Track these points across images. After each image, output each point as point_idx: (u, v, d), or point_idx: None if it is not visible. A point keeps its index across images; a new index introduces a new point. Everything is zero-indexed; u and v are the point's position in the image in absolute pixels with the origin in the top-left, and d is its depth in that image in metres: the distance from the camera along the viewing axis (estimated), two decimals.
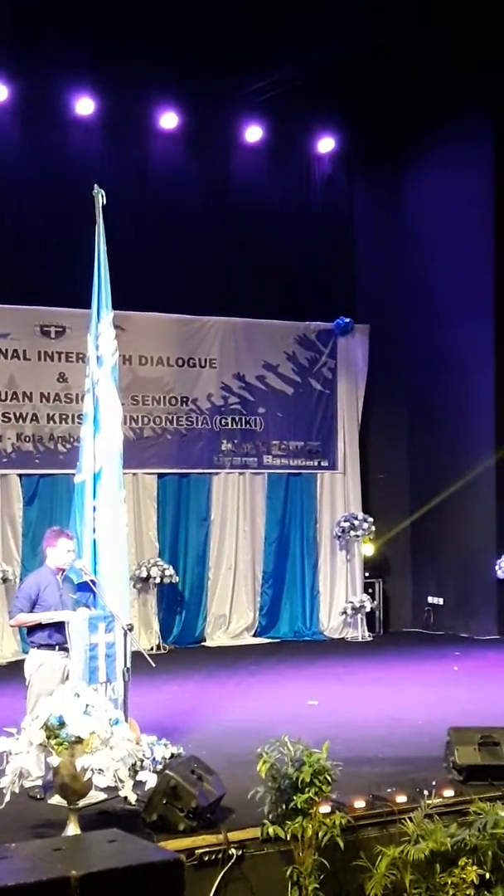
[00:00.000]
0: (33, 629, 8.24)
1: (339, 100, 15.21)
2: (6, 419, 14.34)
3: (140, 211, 14.45)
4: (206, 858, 6.75)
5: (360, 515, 16.02)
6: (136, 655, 8.50)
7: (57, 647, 8.15)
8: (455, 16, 13.03)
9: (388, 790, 7.64)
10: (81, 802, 6.79)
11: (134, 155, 15.13)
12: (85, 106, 14.53)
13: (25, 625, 8.33)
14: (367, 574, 16.18)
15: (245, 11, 12.80)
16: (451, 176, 16.14)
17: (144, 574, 14.48)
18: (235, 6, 12.73)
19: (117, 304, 9.08)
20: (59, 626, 8.11)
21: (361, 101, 15.27)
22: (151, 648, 14.12)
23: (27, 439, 14.43)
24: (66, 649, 8.09)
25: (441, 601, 16.37)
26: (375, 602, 16.01)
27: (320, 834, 6.86)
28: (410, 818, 7.17)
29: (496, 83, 14.74)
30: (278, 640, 15.57)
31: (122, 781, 6.67)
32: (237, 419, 15.78)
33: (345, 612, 15.84)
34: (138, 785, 6.95)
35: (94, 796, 7.09)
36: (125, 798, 6.79)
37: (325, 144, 16.39)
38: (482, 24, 13.38)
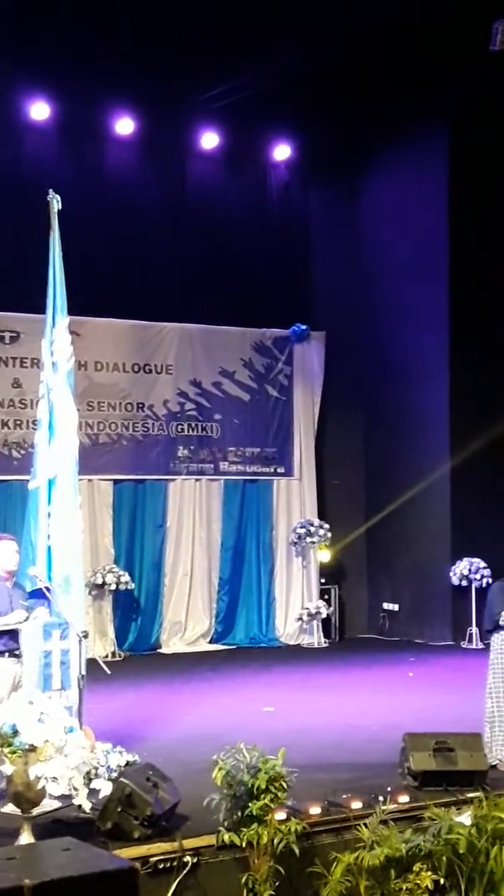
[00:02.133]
0: None
1: (295, 107, 15.27)
2: None
3: (96, 217, 14.41)
4: (161, 866, 6.72)
5: (316, 522, 16.06)
6: (91, 663, 8.46)
7: (7, 654, 8.08)
8: (410, 24, 13.13)
9: (344, 796, 7.63)
10: (35, 811, 6.74)
11: (90, 160, 15.09)
12: (40, 111, 14.47)
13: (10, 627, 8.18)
14: (322, 580, 16.21)
15: (201, 18, 12.82)
16: (406, 183, 16.24)
17: (100, 581, 14.42)
18: (191, 13, 12.75)
19: (73, 310, 9.05)
20: (11, 633, 8.05)
21: (317, 108, 15.35)
22: (107, 655, 14.05)
23: None
24: (17, 656, 8.03)
25: (396, 607, 16.44)
26: (331, 608, 16.04)
27: (276, 841, 6.85)
28: (365, 824, 7.18)
29: (451, 91, 14.86)
30: (234, 647, 15.57)
31: (76, 790, 6.63)
32: (193, 426, 15.76)
33: (301, 619, 15.86)
34: (93, 793, 6.91)
35: (48, 805, 7.03)
36: (79, 806, 6.75)
37: (281, 152, 16.43)
38: (437, 33, 13.49)
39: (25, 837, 6.58)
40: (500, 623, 8.91)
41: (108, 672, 8.56)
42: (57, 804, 7.12)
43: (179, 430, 15.66)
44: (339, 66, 14.12)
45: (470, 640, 15.15)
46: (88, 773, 6.86)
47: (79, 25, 12.92)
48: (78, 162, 14.82)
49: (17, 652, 8.01)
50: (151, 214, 15.30)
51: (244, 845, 6.83)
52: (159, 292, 15.14)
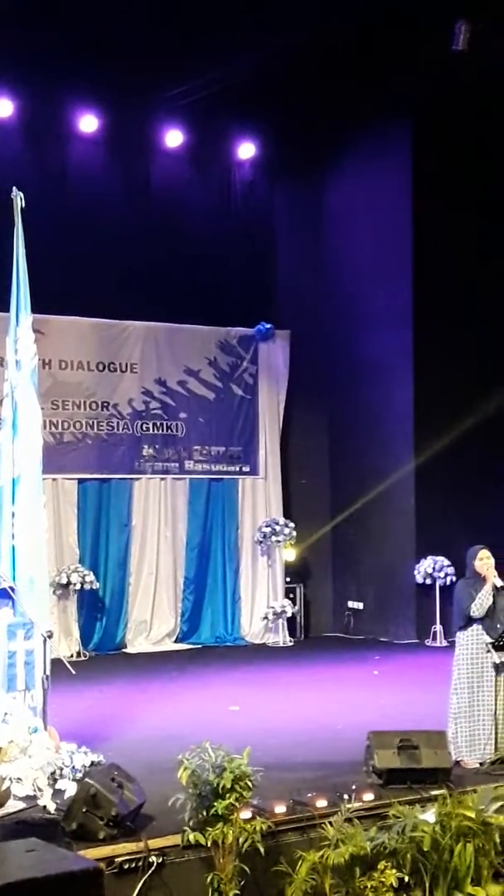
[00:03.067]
0: None
1: (260, 106, 15.25)
2: None
3: (60, 214, 14.34)
4: (127, 866, 6.71)
5: (282, 521, 16.07)
6: (56, 663, 8.43)
7: None
8: (374, 23, 13.14)
9: (309, 795, 7.65)
10: (0, 812, 6.71)
11: (53, 158, 15.02)
12: (3, 108, 14.38)
13: None
14: (288, 579, 16.23)
15: (166, 15, 12.78)
16: (370, 182, 16.29)
17: (64, 580, 14.36)
18: (156, 10, 12.71)
19: (36, 308, 9.01)
20: None
21: (282, 107, 15.35)
22: (71, 655, 14.00)
23: None
24: None
25: (361, 606, 16.49)
26: (296, 607, 16.06)
27: (241, 840, 6.85)
28: (331, 822, 7.20)
29: (414, 90, 14.91)
30: (200, 646, 15.55)
31: (41, 790, 6.61)
32: (158, 424, 15.74)
33: (266, 618, 15.87)
34: (57, 794, 6.89)
35: (13, 805, 7.00)
36: (44, 807, 6.73)
37: (246, 150, 16.43)
38: (401, 32, 13.51)
39: None
40: (474, 615, 8.95)
41: (73, 672, 8.54)
42: (21, 805, 7.09)
43: (144, 428, 15.63)
44: (303, 65, 14.11)
45: (434, 638, 15.21)
46: (53, 773, 6.84)
47: (42, 22, 12.83)
48: (41, 159, 14.75)
49: None
50: (116, 212, 15.25)
51: (209, 845, 6.84)
52: (124, 290, 15.09)
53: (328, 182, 16.95)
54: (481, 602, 8.93)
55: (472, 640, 8.97)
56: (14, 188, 8.92)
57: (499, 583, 9.01)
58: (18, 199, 8.90)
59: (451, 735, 8.80)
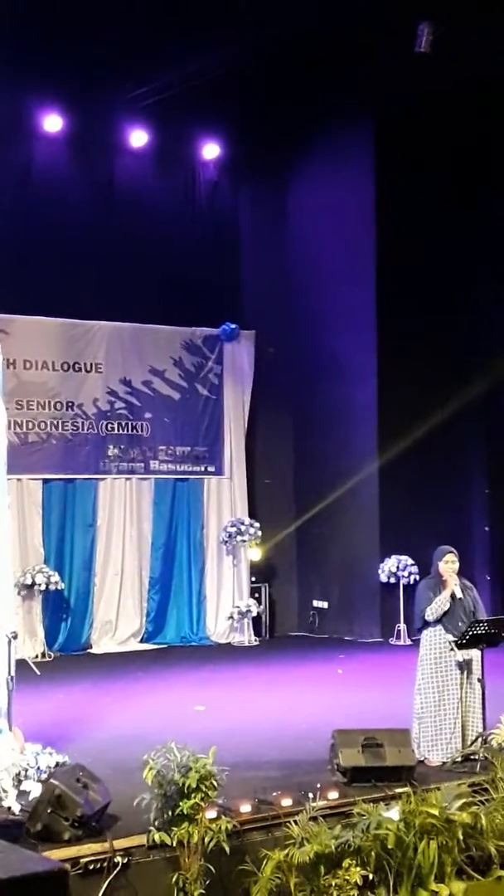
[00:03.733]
0: None
1: (224, 106, 15.27)
2: None
3: (23, 214, 14.31)
4: (92, 867, 6.71)
5: (247, 521, 16.09)
6: (21, 663, 8.42)
7: None
8: (338, 24, 13.19)
9: (274, 794, 7.68)
10: None
11: (17, 158, 14.94)
12: None
13: None
14: (253, 579, 16.25)
15: (129, 15, 12.77)
16: (334, 183, 16.35)
17: (29, 581, 14.31)
18: (119, 10, 12.70)
19: (1, 308, 8.99)
20: None
21: (246, 107, 15.38)
22: (36, 656, 13.95)
23: None
24: None
25: (326, 605, 16.54)
26: (262, 606, 16.09)
27: (206, 839, 6.87)
28: (295, 821, 7.24)
29: (377, 92, 14.98)
30: (165, 646, 15.55)
31: (5, 791, 6.61)
32: (123, 424, 15.71)
33: (231, 617, 15.88)
34: (22, 794, 6.89)
35: None
36: (9, 808, 6.72)
37: (210, 150, 16.44)
38: (364, 33, 13.58)
39: None
40: (427, 619, 9.03)
41: (38, 673, 8.54)
42: None
43: (109, 428, 15.60)
44: (267, 66, 14.15)
45: (398, 637, 15.29)
46: (18, 774, 6.84)
47: (6, 21, 12.79)
48: (6, 159, 14.67)
49: None
50: (80, 212, 15.20)
51: (175, 844, 6.85)
52: (88, 290, 15.05)
53: (292, 182, 16.99)
54: (437, 608, 8.99)
55: (435, 639, 9.04)
56: None
57: (458, 593, 9.06)
58: None
59: (415, 733, 8.87)
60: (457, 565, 9.14)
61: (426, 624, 9.08)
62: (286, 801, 7.54)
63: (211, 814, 6.98)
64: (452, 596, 9.03)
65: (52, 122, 14.96)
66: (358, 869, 7.07)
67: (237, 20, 12.91)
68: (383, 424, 15.67)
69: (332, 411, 16.34)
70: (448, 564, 9.11)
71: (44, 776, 7.26)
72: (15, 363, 14.56)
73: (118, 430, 15.67)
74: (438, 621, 9.02)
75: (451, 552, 9.16)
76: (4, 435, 8.84)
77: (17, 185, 14.43)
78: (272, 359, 16.70)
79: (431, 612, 8.99)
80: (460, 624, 8.97)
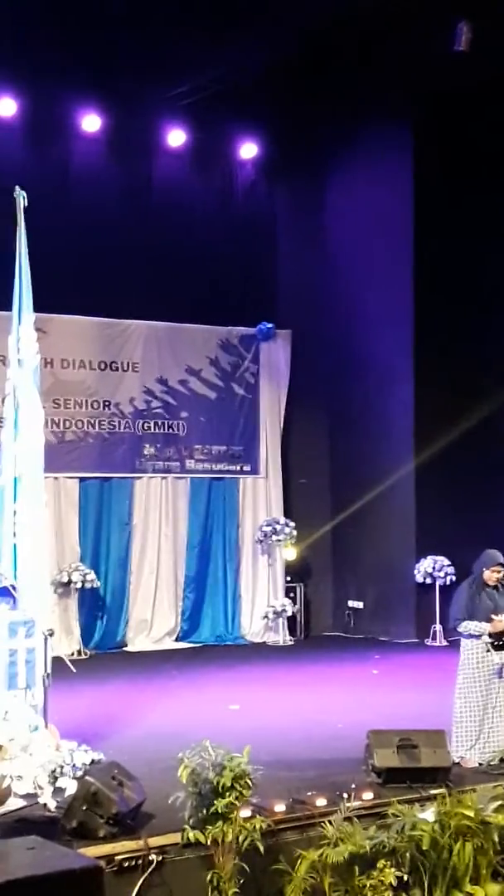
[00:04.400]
0: None
1: (262, 105, 15.27)
2: None
3: (62, 213, 14.35)
4: (127, 864, 6.72)
5: (282, 520, 16.09)
6: (57, 661, 8.45)
7: None
8: (376, 23, 13.16)
9: (308, 794, 7.67)
10: (0, 809, 6.73)
11: (56, 157, 15.03)
12: (7, 107, 14.39)
13: None
14: (288, 578, 16.24)
15: (169, 15, 12.80)
16: (371, 183, 16.30)
17: (65, 579, 14.38)
18: (159, 10, 12.73)
19: (38, 307, 9.03)
20: None
21: (284, 107, 15.37)
22: (72, 654, 14.01)
23: None
24: None
25: (361, 605, 16.50)
26: (296, 606, 16.08)
27: (240, 838, 6.87)
28: (330, 821, 7.22)
29: (415, 91, 14.93)
30: (200, 645, 15.57)
31: (41, 788, 6.64)
32: (160, 423, 15.75)
33: (266, 617, 15.88)
34: (58, 791, 6.91)
35: (13, 803, 7.03)
36: (45, 805, 6.75)
37: (248, 150, 16.44)
38: (403, 33, 13.54)
39: None
40: (459, 630, 8.96)
41: (74, 670, 8.58)
42: (22, 803, 7.12)
43: (146, 427, 15.64)
44: (305, 64, 14.14)
45: (434, 638, 15.23)
46: (54, 771, 6.87)
47: (46, 22, 12.86)
48: (44, 158, 14.75)
49: None
50: (118, 212, 15.25)
51: (209, 843, 6.85)
52: (126, 290, 15.10)
53: (329, 181, 16.96)
54: (472, 629, 8.87)
55: (475, 642, 8.96)
56: (17, 187, 8.94)
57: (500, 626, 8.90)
58: (21, 197, 8.92)
59: (455, 736, 8.81)
60: (502, 574, 9.04)
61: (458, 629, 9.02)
62: (321, 801, 7.54)
63: (245, 813, 6.98)
64: (491, 597, 8.96)
65: (91, 122, 15.02)
66: (393, 870, 7.05)
67: (275, 19, 12.91)
68: (420, 424, 15.62)
69: (368, 411, 16.30)
70: (493, 573, 9.02)
71: (79, 773, 7.29)
72: (52, 362, 14.63)
73: (154, 430, 15.71)
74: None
75: (501, 564, 9.02)
76: (42, 434, 8.89)
77: (55, 185, 14.48)
78: (309, 358, 16.67)
79: (465, 628, 8.92)
80: None
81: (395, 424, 15.95)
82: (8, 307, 9.02)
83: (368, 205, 16.34)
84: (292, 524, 16.06)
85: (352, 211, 16.62)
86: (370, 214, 16.29)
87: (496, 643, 8.85)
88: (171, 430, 15.83)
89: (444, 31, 12.97)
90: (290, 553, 16.31)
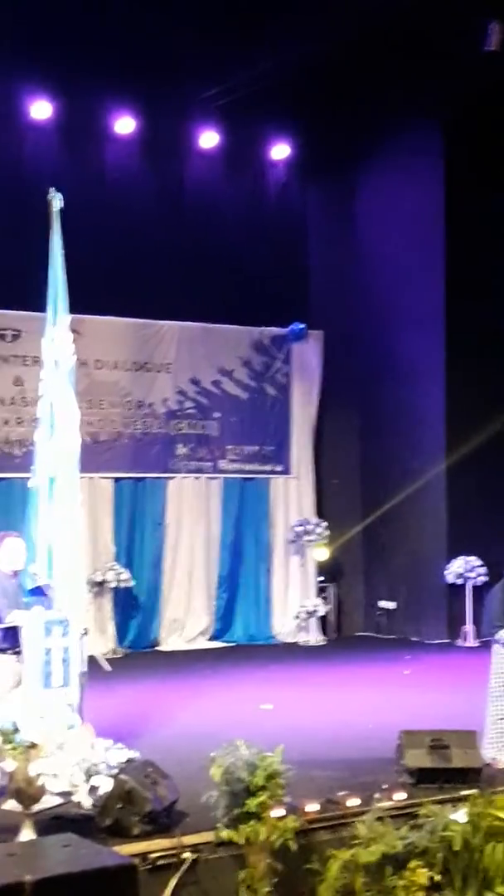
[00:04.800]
0: None
1: (294, 107, 15.28)
2: None
3: (96, 215, 14.40)
4: (161, 863, 6.76)
5: (314, 520, 16.11)
6: (92, 660, 8.51)
7: (9, 651, 8.13)
8: (407, 26, 13.15)
9: (340, 793, 7.68)
10: (36, 807, 6.79)
11: (90, 159, 15.11)
12: (41, 109, 14.50)
13: (15, 624, 8.13)
14: (320, 578, 16.27)
15: (201, 17, 12.85)
16: (403, 184, 16.29)
17: (100, 578, 14.47)
18: (191, 12, 12.78)
19: (73, 308, 9.09)
20: (12, 630, 8.10)
21: (316, 108, 15.37)
22: (106, 653, 14.05)
23: None
24: (18, 653, 8.08)
25: (393, 605, 16.49)
26: (328, 606, 16.10)
27: (273, 837, 6.89)
28: (362, 821, 7.23)
29: (446, 91, 14.90)
30: (233, 645, 15.62)
31: (76, 786, 6.68)
32: (192, 424, 15.81)
33: (298, 617, 15.91)
34: (93, 790, 6.96)
35: (49, 801, 7.07)
36: (79, 803, 6.80)
37: (280, 151, 16.48)
38: (433, 32, 13.51)
39: (26, 834, 6.64)
40: (495, 638, 8.92)
41: (108, 669, 8.63)
42: (57, 801, 7.16)
43: (178, 428, 15.71)
44: (336, 66, 14.13)
45: (465, 638, 15.21)
46: (88, 769, 6.91)
47: (79, 24, 12.94)
48: (78, 160, 14.84)
49: (17, 649, 8.06)
50: (151, 213, 15.33)
51: (242, 842, 6.88)
52: (159, 291, 15.17)
53: (361, 182, 16.96)
54: None
55: None
56: (52, 189, 9.01)
57: None
58: (56, 199, 8.98)
59: (490, 736, 8.78)
60: None
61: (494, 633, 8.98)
62: (353, 801, 7.55)
63: (278, 812, 7.00)
64: None
65: (125, 124, 15.10)
66: (425, 870, 7.05)
67: (306, 20, 12.93)
68: (451, 424, 15.59)
69: (399, 411, 16.29)
70: None
71: (114, 772, 7.34)
72: (87, 363, 14.67)
73: (187, 430, 15.77)
74: None
75: None
76: (77, 434, 8.95)
77: (89, 187, 14.52)
78: (340, 359, 16.69)
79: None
80: None
81: (426, 424, 15.93)
82: (43, 309, 9.09)
83: (400, 205, 16.33)
84: (324, 524, 16.08)
85: (383, 212, 16.62)
86: (401, 215, 16.28)
87: None
88: (203, 431, 15.88)
89: (474, 32, 12.94)
90: (322, 553, 16.32)
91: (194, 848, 6.90)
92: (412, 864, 7.05)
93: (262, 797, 6.88)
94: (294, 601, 16.09)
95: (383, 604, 16.61)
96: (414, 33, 13.37)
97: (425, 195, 15.86)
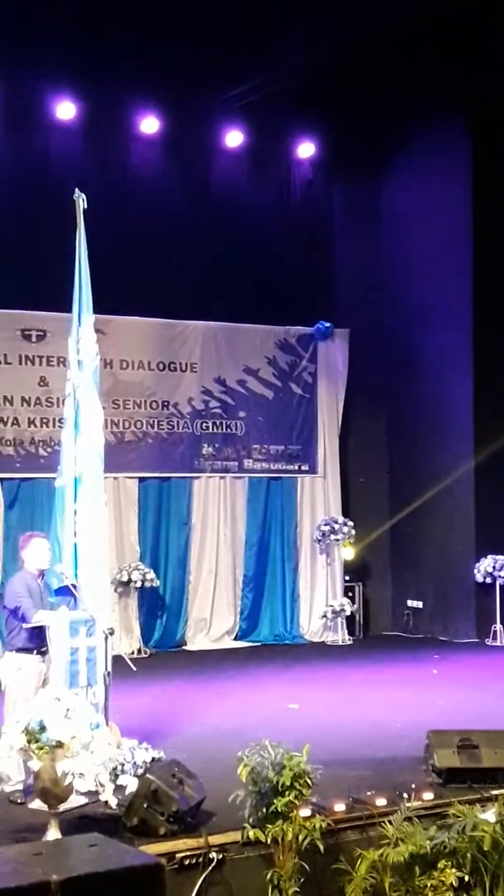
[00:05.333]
0: (14, 631, 8.22)
1: (319, 105, 15.27)
2: None
3: (121, 215, 14.45)
4: (187, 862, 6.76)
5: (341, 519, 16.07)
6: (117, 659, 8.51)
7: (35, 651, 8.14)
8: (434, 23, 13.10)
9: (368, 793, 7.66)
10: (62, 807, 6.79)
11: (115, 159, 15.15)
12: (66, 110, 14.54)
13: (42, 623, 8.15)
14: (347, 578, 16.22)
15: (225, 17, 12.83)
16: (429, 181, 16.22)
17: (125, 578, 14.48)
18: (216, 11, 12.77)
19: (98, 308, 9.10)
20: (38, 630, 8.11)
21: (341, 106, 15.35)
22: (132, 652, 14.11)
23: (8, 443, 14.42)
24: (44, 653, 8.09)
25: (420, 605, 16.43)
26: (355, 606, 16.05)
27: (300, 837, 6.87)
28: (390, 821, 7.20)
29: (474, 90, 14.82)
30: (259, 644, 15.60)
31: (102, 785, 6.68)
32: (218, 423, 15.80)
33: (325, 616, 15.87)
34: (119, 789, 6.96)
35: (75, 801, 7.07)
36: (106, 802, 6.80)
37: (305, 149, 16.45)
38: (461, 32, 13.46)
39: (52, 833, 6.64)
40: None
41: (134, 669, 8.61)
42: (83, 800, 7.16)
43: (204, 427, 15.70)
44: (362, 64, 14.10)
45: (494, 638, 15.13)
46: (115, 769, 6.91)
47: (104, 25, 12.96)
48: (103, 160, 14.87)
49: (43, 649, 8.07)
50: (176, 212, 15.32)
51: (269, 842, 6.87)
52: (184, 290, 15.18)
53: (387, 179, 16.90)
54: None
55: None
56: (76, 189, 9.02)
57: None
58: (81, 200, 8.99)
59: None
60: None
61: None
62: (380, 801, 7.52)
63: (305, 812, 6.98)
64: None
65: (149, 124, 15.12)
66: (453, 871, 7.01)
67: (331, 18, 12.89)
68: (479, 422, 15.51)
69: (427, 409, 16.22)
70: None
71: (140, 771, 7.34)
72: (112, 363, 14.74)
73: (213, 429, 15.76)
74: None
75: None
76: (102, 434, 8.96)
77: (113, 186, 14.57)
78: (366, 357, 16.63)
79: None
80: None
81: (454, 422, 15.86)
82: (69, 309, 9.10)
83: (426, 202, 16.26)
84: (351, 523, 16.03)
85: (409, 209, 16.55)
86: (428, 212, 16.21)
87: None
88: (229, 430, 15.87)
89: (500, 27, 12.87)
90: (349, 552, 16.28)
91: (221, 847, 6.90)
92: (441, 863, 7.02)
93: (290, 797, 6.86)
94: (320, 601, 16.05)
95: (411, 603, 16.55)
96: (439, 29, 13.32)
97: (452, 192, 15.78)
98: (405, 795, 7.53)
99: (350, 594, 16.08)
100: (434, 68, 14.27)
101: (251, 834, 6.89)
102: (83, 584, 8.43)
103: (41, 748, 6.58)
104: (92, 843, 5.09)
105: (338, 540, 15.97)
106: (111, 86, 14.13)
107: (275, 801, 6.87)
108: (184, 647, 15.29)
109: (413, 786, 7.79)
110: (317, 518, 16.22)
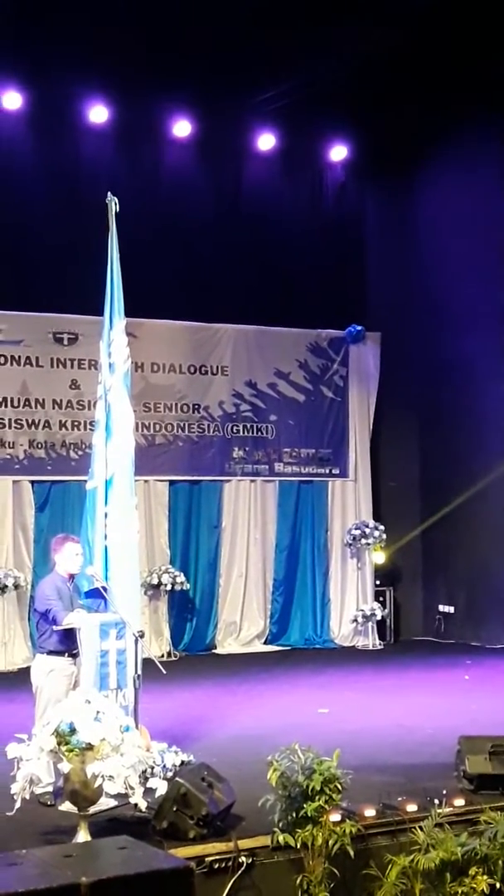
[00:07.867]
0: (45, 634, 8.24)
1: (352, 108, 15.23)
2: (19, 426, 14.38)
3: (153, 219, 14.47)
4: (217, 866, 6.75)
5: (371, 523, 16.02)
6: (147, 662, 8.50)
7: (66, 654, 8.15)
8: (467, 23, 13.05)
9: (399, 799, 7.62)
10: (92, 809, 6.80)
11: (147, 163, 15.19)
12: (98, 114, 14.60)
13: (72, 625, 8.16)
14: (377, 582, 16.17)
15: (257, 20, 12.83)
16: (462, 184, 16.13)
17: (155, 581, 14.50)
18: (248, 15, 12.77)
19: (129, 312, 9.11)
20: (68, 633, 8.12)
21: (374, 109, 15.30)
22: (162, 655, 14.12)
23: (39, 446, 14.47)
24: (75, 655, 8.10)
25: (452, 610, 16.34)
26: (386, 610, 15.99)
27: (330, 842, 6.85)
28: (421, 827, 7.16)
29: None
30: (289, 648, 15.58)
31: (132, 788, 6.67)
32: (248, 427, 15.80)
33: (355, 621, 15.82)
34: (149, 792, 6.95)
35: (105, 803, 7.08)
36: (135, 805, 6.79)
37: (338, 152, 16.43)
38: (494, 32, 13.39)
39: (82, 835, 6.64)
40: None
41: (164, 672, 8.61)
42: (113, 803, 7.17)
43: (234, 431, 15.70)
44: (395, 67, 14.06)
45: None
46: (144, 772, 6.91)
47: (137, 29, 12.98)
48: (135, 164, 14.91)
49: (74, 652, 8.08)
50: (208, 216, 15.34)
51: (299, 846, 6.85)
52: (215, 294, 15.18)
53: (420, 182, 16.83)
54: None
55: None
56: (109, 193, 9.03)
57: None
58: (113, 203, 9.00)
59: None
60: None
61: None
62: (411, 807, 7.48)
63: (335, 817, 6.95)
64: None
65: (182, 127, 15.15)
66: (485, 877, 6.96)
67: (363, 20, 12.86)
68: None
69: (459, 413, 16.14)
70: None
71: (170, 774, 7.34)
72: (143, 366, 14.77)
73: (243, 433, 15.76)
74: None
75: None
76: (132, 437, 8.97)
77: (146, 190, 14.60)
78: (398, 360, 16.58)
79: None
80: None
81: (487, 426, 15.77)
82: (100, 313, 9.11)
83: (459, 205, 16.17)
84: (382, 527, 15.98)
85: (442, 212, 16.48)
86: (461, 215, 16.13)
87: None
88: (259, 434, 15.86)
89: None
90: (380, 557, 16.23)
91: (251, 852, 6.88)
92: (472, 870, 6.97)
93: (320, 801, 6.84)
94: (351, 605, 16.00)
95: (442, 608, 16.47)
96: (473, 30, 13.26)
97: (485, 194, 15.69)
98: (436, 801, 7.48)
99: (381, 598, 16.03)
100: (466, 69, 14.19)
101: (281, 838, 6.87)
102: (113, 587, 8.44)
103: (71, 750, 6.59)
104: (121, 846, 5.09)
105: (368, 544, 15.92)
106: (144, 89, 14.15)
107: (305, 805, 6.85)
108: (213, 651, 15.28)
109: (444, 792, 7.73)
110: (347, 522, 16.18)
